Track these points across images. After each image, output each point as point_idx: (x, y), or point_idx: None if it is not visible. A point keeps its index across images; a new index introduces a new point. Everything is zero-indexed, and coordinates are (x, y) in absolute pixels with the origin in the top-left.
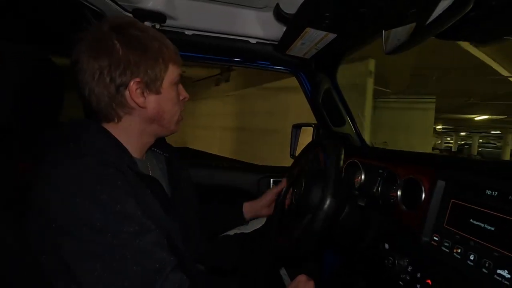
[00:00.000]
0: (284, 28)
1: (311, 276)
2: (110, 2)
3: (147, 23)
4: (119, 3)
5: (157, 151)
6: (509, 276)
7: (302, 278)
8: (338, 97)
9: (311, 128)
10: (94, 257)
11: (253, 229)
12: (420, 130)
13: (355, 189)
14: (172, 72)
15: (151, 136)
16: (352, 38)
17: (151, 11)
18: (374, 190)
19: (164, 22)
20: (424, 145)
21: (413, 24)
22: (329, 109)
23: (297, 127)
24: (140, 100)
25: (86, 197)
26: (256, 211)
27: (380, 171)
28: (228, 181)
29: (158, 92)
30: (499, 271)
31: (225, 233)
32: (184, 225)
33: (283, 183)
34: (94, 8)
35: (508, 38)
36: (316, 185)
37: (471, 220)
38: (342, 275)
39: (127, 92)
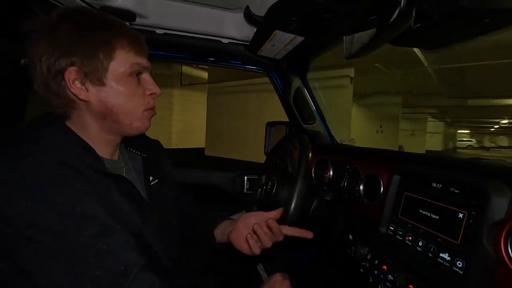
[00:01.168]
0: (255, 29)
1: (287, 269)
2: (78, 0)
3: None
4: (86, 1)
5: (133, 151)
6: (449, 258)
7: (277, 278)
8: (308, 96)
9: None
10: (54, 262)
11: None
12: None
13: (324, 185)
14: (123, 61)
15: (113, 134)
16: (318, 41)
17: (120, 9)
18: (342, 185)
19: (134, 20)
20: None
21: (373, 30)
22: (300, 108)
23: (271, 125)
24: (80, 92)
25: (41, 199)
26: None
27: (347, 167)
28: (203, 179)
29: (102, 84)
30: (441, 255)
31: None
32: (161, 226)
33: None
34: (58, 4)
35: (453, 45)
36: (284, 185)
37: (420, 210)
38: (315, 267)
39: (64, 82)
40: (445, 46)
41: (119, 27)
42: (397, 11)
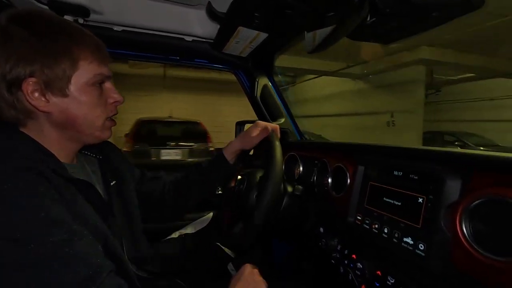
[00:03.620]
0: (218, 27)
1: (261, 265)
2: None
3: (67, 17)
4: None
5: (88, 153)
6: (412, 242)
7: (246, 268)
8: (275, 93)
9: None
10: (17, 270)
11: (198, 229)
12: None
13: (294, 180)
14: (86, 71)
15: (74, 142)
16: (282, 37)
17: (70, 3)
18: (311, 180)
19: (88, 16)
20: None
21: (332, 26)
22: (268, 105)
23: (240, 124)
24: (39, 103)
25: (2, 206)
26: (238, 154)
27: (315, 161)
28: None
29: (64, 95)
30: (405, 239)
31: (168, 237)
32: (123, 229)
33: (266, 130)
34: (5, 1)
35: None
36: (254, 183)
37: (384, 198)
38: (291, 261)
39: (21, 93)
40: (398, 40)
41: (80, 35)
42: (351, 7)
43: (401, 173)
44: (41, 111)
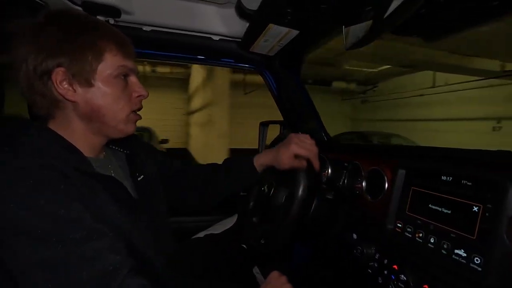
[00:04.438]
0: (247, 25)
1: (283, 270)
2: None
3: (100, 18)
4: None
5: (116, 148)
6: (465, 255)
7: (274, 275)
8: (302, 94)
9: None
10: (37, 268)
11: (223, 229)
12: None
13: (323, 183)
14: (110, 63)
15: (99, 135)
16: (314, 34)
17: (103, 4)
18: (341, 183)
19: (119, 16)
20: None
21: (371, 21)
22: (295, 106)
23: (264, 125)
24: (67, 92)
25: (22, 203)
26: (266, 166)
27: (345, 164)
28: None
29: (90, 85)
30: (456, 251)
31: (195, 236)
32: (150, 225)
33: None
34: (40, 2)
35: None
36: (282, 186)
37: (430, 205)
38: (311, 267)
39: (51, 83)
40: (447, 35)
41: (106, 30)
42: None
43: (451, 178)
44: (68, 100)
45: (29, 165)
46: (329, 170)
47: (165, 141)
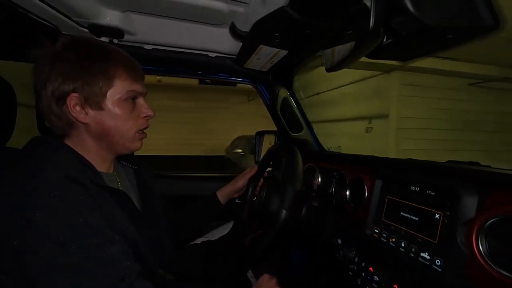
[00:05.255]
0: (240, 44)
1: (279, 275)
2: (65, 19)
3: (104, 39)
4: (74, 19)
5: (125, 164)
6: (429, 257)
7: (265, 277)
8: (295, 105)
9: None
10: (58, 271)
11: (218, 236)
12: None
13: (313, 191)
14: (120, 88)
15: (110, 152)
16: (302, 53)
17: (108, 26)
18: (330, 191)
19: (122, 37)
20: None
21: (352, 44)
22: (288, 117)
23: (260, 134)
24: (79, 115)
25: (46, 211)
26: (229, 196)
27: (334, 173)
28: (195, 190)
29: (100, 108)
30: (422, 254)
31: (192, 242)
32: (153, 235)
33: (253, 169)
34: (49, 24)
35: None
36: (274, 193)
37: (401, 213)
38: (307, 272)
39: (66, 106)
40: (416, 58)
41: (117, 57)
42: (368, 30)
43: (418, 188)
44: (81, 122)
45: (54, 177)
46: (319, 179)
47: None
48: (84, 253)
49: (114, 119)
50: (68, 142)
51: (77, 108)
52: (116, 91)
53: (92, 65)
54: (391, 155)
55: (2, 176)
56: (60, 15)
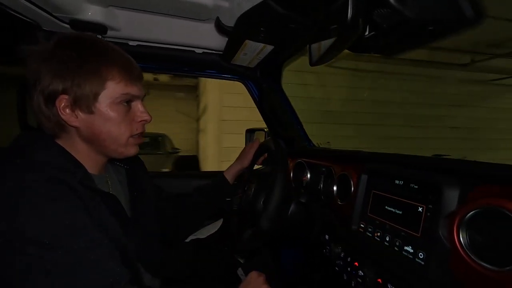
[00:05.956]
0: (227, 39)
1: (268, 272)
2: (45, 14)
3: None
4: (54, 14)
5: (118, 163)
6: (412, 251)
7: (253, 274)
8: (284, 101)
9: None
10: (43, 274)
11: (208, 234)
12: None
13: (302, 187)
14: (113, 91)
15: (101, 155)
16: (288, 48)
17: (90, 22)
18: (319, 187)
19: (105, 33)
20: None
21: (334, 39)
22: (277, 113)
23: (250, 132)
24: (69, 118)
25: (31, 212)
26: (237, 175)
27: (323, 169)
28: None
29: (90, 111)
30: (405, 248)
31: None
32: (141, 239)
33: (255, 143)
34: (28, 20)
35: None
36: (262, 190)
37: (386, 207)
38: (298, 268)
39: (55, 108)
40: (400, 52)
41: (112, 56)
42: (346, 23)
43: (402, 182)
44: (71, 126)
45: (39, 178)
46: (308, 175)
47: (176, 150)
48: (71, 256)
49: (106, 123)
50: (59, 142)
51: (67, 110)
52: (108, 94)
53: (84, 65)
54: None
55: None
56: (40, 10)
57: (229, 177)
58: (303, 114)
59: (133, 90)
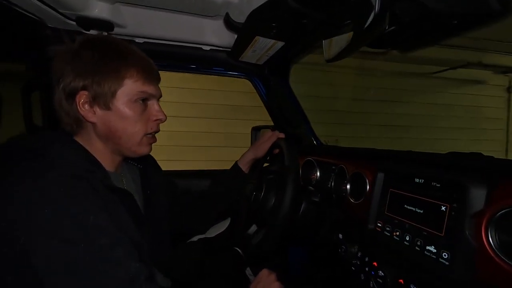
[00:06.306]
0: (235, 36)
1: (277, 271)
2: (51, 11)
3: (92, 32)
4: (60, 11)
5: (132, 162)
6: (435, 250)
7: (264, 272)
8: (292, 99)
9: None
10: (66, 271)
11: (216, 233)
12: None
13: (311, 186)
14: (130, 89)
15: (116, 153)
16: (298, 45)
17: (96, 19)
18: (329, 186)
19: (112, 30)
20: None
21: (350, 34)
22: (284, 111)
23: (256, 129)
24: (87, 113)
25: (55, 209)
26: (251, 163)
27: (333, 167)
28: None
29: (108, 108)
30: (428, 247)
31: (189, 240)
32: (154, 238)
33: (274, 135)
34: (33, 17)
35: (425, 47)
36: (272, 189)
37: (405, 206)
38: (306, 267)
39: (75, 104)
40: (418, 48)
41: (132, 57)
42: (372, 16)
43: (423, 180)
44: (89, 121)
45: (63, 175)
46: (318, 174)
47: None
48: (93, 253)
49: (122, 121)
50: (77, 139)
51: (86, 106)
52: (126, 91)
53: (104, 64)
54: None
55: (11, 173)
56: (45, 6)
57: (243, 166)
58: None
59: (150, 89)
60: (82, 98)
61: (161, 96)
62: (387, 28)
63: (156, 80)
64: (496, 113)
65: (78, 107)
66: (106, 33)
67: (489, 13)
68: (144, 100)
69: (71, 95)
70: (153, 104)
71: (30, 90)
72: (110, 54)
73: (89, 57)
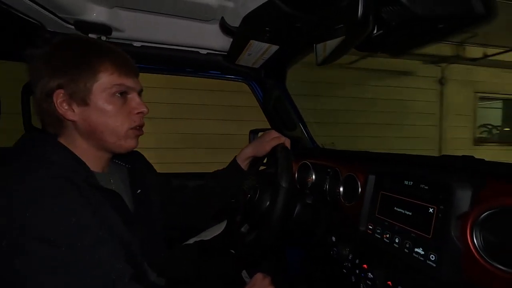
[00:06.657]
0: (231, 40)
1: (274, 274)
2: (50, 15)
3: (91, 35)
4: (59, 15)
5: (119, 162)
6: (423, 252)
7: (258, 276)
8: (288, 102)
9: None
10: (48, 271)
11: (212, 236)
12: None
13: (307, 188)
14: (105, 82)
15: (102, 151)
16: (293, 48)
17: (95, 23)
18: (324, 188)
19: (110, 34)
20: None
21: (341, 38)
22: (281, 114)
23: (254, 132)
24: (67, 112)
25: (37, 210)
26: (250, 160)
27: (328, 170)
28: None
29: (85, 104)
30: (416, 249)
31: (185, 242)
32: (145, 237)
33: (278, 138)
34: (33, 21)
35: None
36: (267, 191)
37: (395, 208)
38: (303, 269)
39: (53, 104)
40: (406, 51)
41: (102, 49)
42: (356, 19)
43: (412, 182)
44: (69, 120)
45: (46, 176)
46: (313, 176)
47: None
48: (75, 254)
49: (102, 116)
50: (62, 141)
51: (64, 105)
52: (102, 85)
53: (78, 60)
54: None
55: None
56: (44, 11)
57: (242, 162)
58: None
59: (128, 81)
60: (59, 97)
61: (141, 89)
62: (375, 32)
63: (133, 73)
64: (428, 108)
65: (56, 106)
66: (104, 37)
67: (474, 16)
68: (123, 93)
69: (49, 96)
70: (133, 97)
71: (29, 93)
72: (83, 51)
73: (63, 56)
